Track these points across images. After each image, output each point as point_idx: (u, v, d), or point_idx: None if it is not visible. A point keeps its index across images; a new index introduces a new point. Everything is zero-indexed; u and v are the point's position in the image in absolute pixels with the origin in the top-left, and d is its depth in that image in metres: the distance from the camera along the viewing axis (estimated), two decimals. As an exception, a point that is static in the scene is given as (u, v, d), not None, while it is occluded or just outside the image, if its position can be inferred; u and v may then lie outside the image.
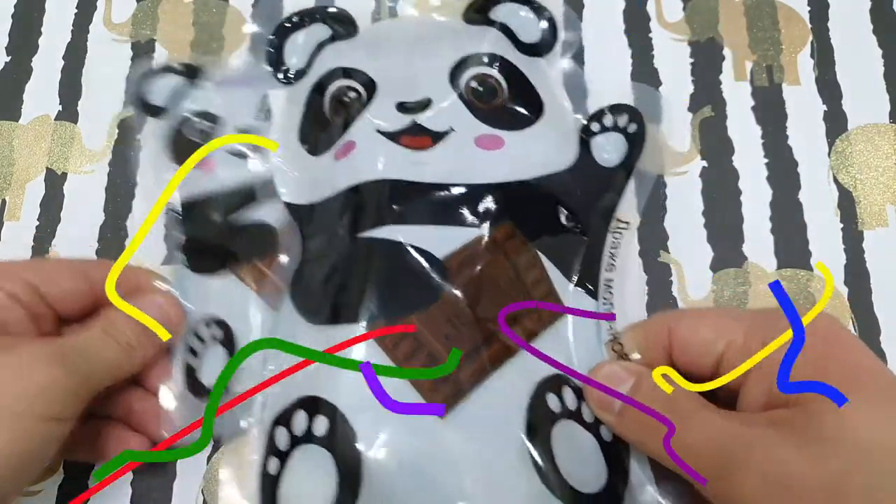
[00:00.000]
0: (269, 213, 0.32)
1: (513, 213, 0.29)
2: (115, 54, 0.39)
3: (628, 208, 0.31)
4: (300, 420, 0.27)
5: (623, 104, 0.33)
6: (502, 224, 0.29)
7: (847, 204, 0.36)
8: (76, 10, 0.40)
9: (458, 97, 0.32)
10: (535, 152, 0.32)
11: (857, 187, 0.36)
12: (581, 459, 0.26)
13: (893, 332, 0.34)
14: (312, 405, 0.27)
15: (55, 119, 0.38)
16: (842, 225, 0.35)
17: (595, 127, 0.33)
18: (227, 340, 0.30)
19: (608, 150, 0.32)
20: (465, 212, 0.29)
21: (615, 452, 0.26)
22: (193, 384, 0.30)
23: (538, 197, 0.30)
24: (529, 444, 0.25)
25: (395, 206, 0.29)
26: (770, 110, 0.37)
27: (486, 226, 0.29)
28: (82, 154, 0.38)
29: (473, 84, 0.32)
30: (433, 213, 0.29)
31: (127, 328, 0.28)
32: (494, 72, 0.33)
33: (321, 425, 0.26)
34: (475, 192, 0.30)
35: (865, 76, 0.38)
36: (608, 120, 0.33)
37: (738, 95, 0.38)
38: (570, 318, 0.28)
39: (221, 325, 0.31)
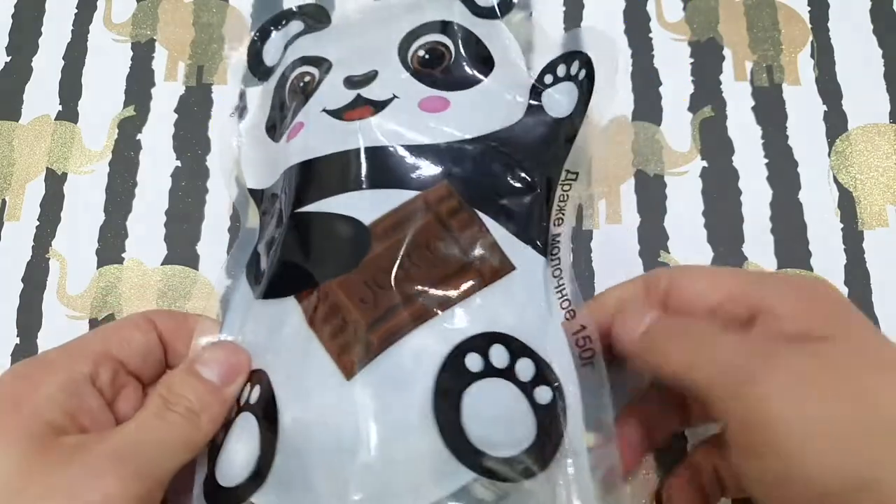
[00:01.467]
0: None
1: (451, 173, 0.29)
2: (115, 54, 0.39)
3: (581, 159, 0.30)
4: (245, 390, 0.27)
5: (575, 51, 0.32)
6: (437, 185, 0.28)
7: (847, 204, 0.36)
8: (76, 10, 0.40)
9: (403, 66, 0.32)
10: (482, 110, 0.31)
11: (857, 187, 0.36)
12: (501, 421, 0.25)
13: (894, 332, 0.33)
14: (255, 377, 0.28)
15: (55, 119, 0.38)
16: (842, 225, 0.35)
17: (548, 78, 0.32)
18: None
19: (558, 101, 0.31)
20: (403, 174, 0.29)
21: (549, 415, 0.25)
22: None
23: (482, 154, 0.30)
24: (433, 405, 0.25)
25: (331, 178, 0.29)
26: (770, 110, 0.37)
27: (423, 187, 0.28)
28: (82, 154, 0.38)
29: (421, 52, 0.32)
30: (368, 178, 0.29)
31: (187, 391, 0.26)
32: (444, 38, 0.33)
33: (255, 394, 0.27)
34: (414, 154, 0.29)
35: (865, 76, 0.38)
36: (561, 70, 0.32)
37: (738, 95, 0.38)
38: (517, 273, 0.28)
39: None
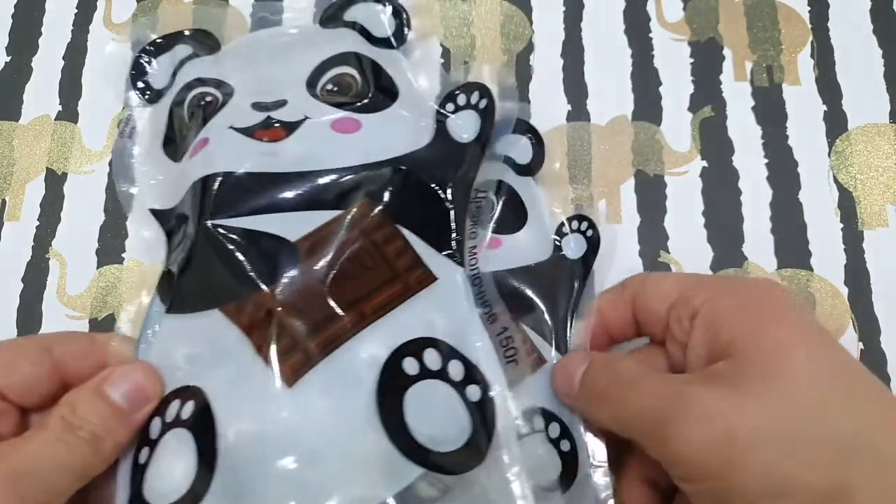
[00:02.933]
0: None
1: (371, 192, 0.30)
2: (115, 54, 0.39)
3: (490, 181, 0.34)
4: (173, 408, 0.27)
5: (473, 82, 0.35)
6: (357, 203, 0.30)
7: (847, 204, 0.36)
8: (76, 10, 0.40)
9: (312, 97, 0.33)
10: (392, 133, 0.33)
11: (857, 187, 0.36)
12: (440, 418, 0.26)
13: (893, 332, 0.34)
14: (185, 393, 0.27)
15: (55, 119, 0.38)
16: (842, 225, 0.35)
17: (450, 107, 0.34)
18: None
19: (463, 127, 0.33)
20: (322, 195, 0.30)
21: (481, 411, 0.27)
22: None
23: (397, 174, 0.31)
24: (377, 408, 0.26)
25: (247, 196, 0.29)
26: (770, 110, 0.37)
27: (343, 207, 0.30)
28: (82, 154, 0.38)
29: (329, 86, 0.34)
30: (288, 199, 0.30)
31: (91, 414, 0.25)
32: (350, 69, 0.35)
33: (188, 409, 0.26)
34: (331, 176, 0.30)
35: (865, 76, 0.38)
36: (461, 99, 0.34)
37: (738, 95, 0.38)
38: (440, 283, 0.29)
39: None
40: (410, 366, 0.27)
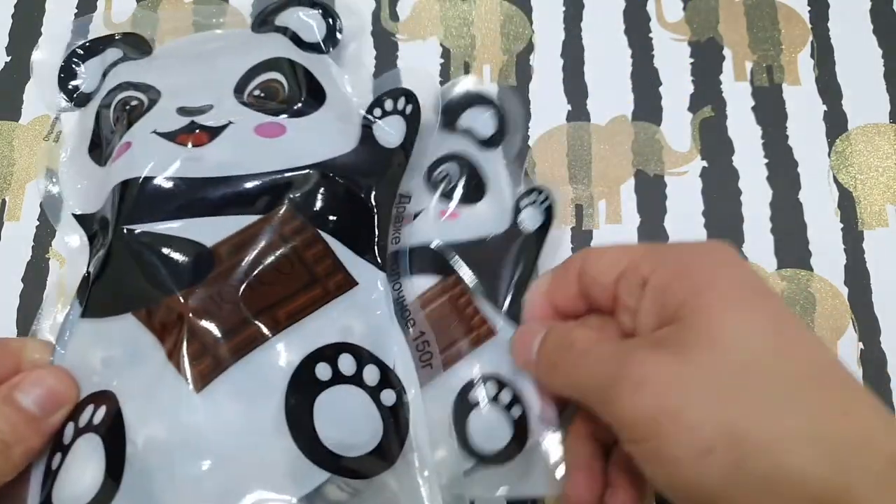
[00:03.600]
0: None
1: (293, 197, 0.30)
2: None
3: (415, 185, 0.34)
4: (86, 413, 0.26)
5: (400, 88, 0.35)
6: (279, 208, 0.30)
7: (847, 204, 0.36)
8: (76, 11, 0.40)
9: (240, 104, 0.33)
10: (317, 138, 0.33)
11: (857, 187, 0.36)
12: (351, 424, 0.27)
13: (893, 332, 0.34)
14: (99, 398, 0.27)
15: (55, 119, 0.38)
16: (842, 225, 0.35)
17: (377, 112, 0.34)
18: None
19: (388, 132, 0.34)
20: (244, 200, 0.30)
21: (394, 415, 0.27)
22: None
23: (320, 179, 0.31)
24: (286, 413, 0.26)
25: (168, 202, 0.29)
26: (770, 110, 0.37)
27: (265, 212, 0.30)
28: (82, 154, 0.38)
29: (256, 92, 0.34)
30: (210, 205, 0.29)
31: (1, 421, 0.24)
32: (277, 74, 0.34)
33: (100, 414, 0.26)
34: (253, 181, 0.30)
35: (865, 76, 0.38)
36: (388, 104, 0.34)
37: (738, 95, 0.38)
38: (359, 288, 0.30)
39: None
40: (323, 371, 0.27)
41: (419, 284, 0.31)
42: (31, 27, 0.40)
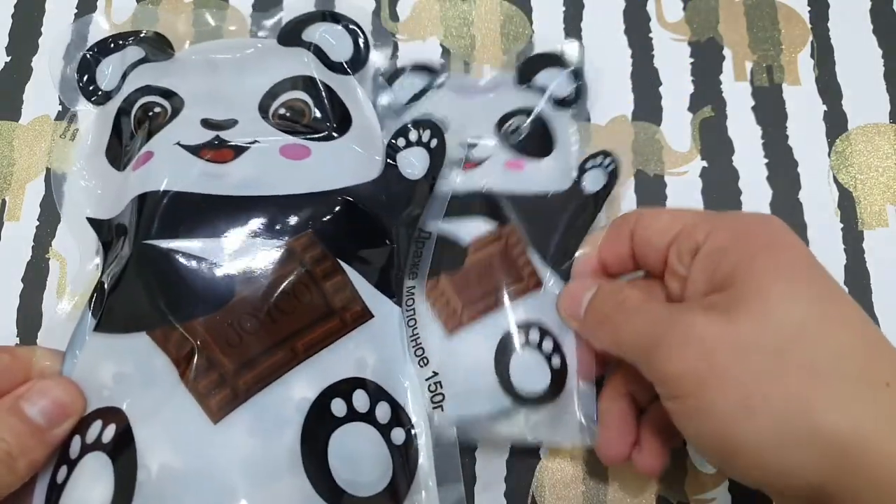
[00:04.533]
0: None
1: (315, 223, 0.29)
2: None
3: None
4: (94, 428, 0.26)
5: (424, 119, 0.34)
6: (301, 234, 0.29)
7: (847, 204, 0.36)
8: (76, 11, 0.40)
9: (263, 120, 0.33)
10: (342, 163, 0.32)
11: (857, 187, 0.36)
12: (363, 463, 0.27)
13: (894, 332, 0.33)
14: (108, 414, 0.26)
15: (55, 119, 0.38)
16: (842, 225, 0.35)
17: (401, 142, 0.34)
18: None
19: (412, 163, 0.33)
20: (264, 223, 0.29)
21: (404, 455, 0.28)
22: None
23: (343, 207, 0.30)
24: (301, 450, 0.26)
25: (188, 218, 0.29)
26: (770, 110, 0.37)
27: (284, 236, 0.29)
28: (82, 154, 0.37)
29: (282, 111, 0.33)
30: (230, 225, 0.29)
31: (5, 432, 0.24)
32: (303, 94, 0.34)
33: (109, 433, 0.26)
34: (276, 204, 0.29)
35: (865, 76, 0.38)
36: (413, 135, 0.34)
37: (738, 95, 0.38)
38: (375, 321, 0.29)
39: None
40: (338, 407, 0.27)
41: (475, 227, 0.32)
42: (31, 27, 0.40)
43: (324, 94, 0.34)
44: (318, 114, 0.33)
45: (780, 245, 0.25)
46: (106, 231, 0.32)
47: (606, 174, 0.33)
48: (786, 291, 0.23)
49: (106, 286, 0.29)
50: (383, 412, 0.28)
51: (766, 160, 0.37)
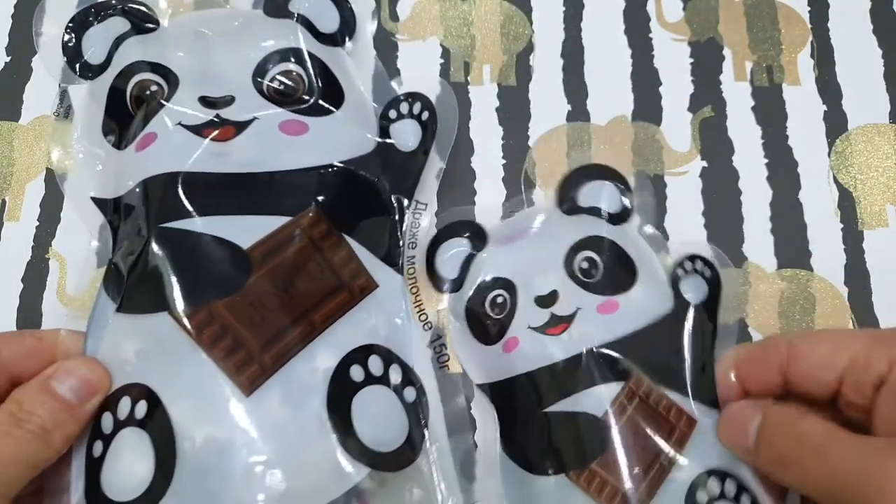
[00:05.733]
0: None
1: (318, 198, 0.30)
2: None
3: (430, 191, 0.35)
4: (124, 404, 0.27)
5: (415, 92, 0.35)
6: (308, 210, 0.30)
7: (847, 204, 0.36)
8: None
9: (259, 94, 0.33)
10: (338, 138, 0.33)
11: (857, 187, 0.36)
12: (383, 422, 0.29)
13: (893, 332, 0.34)
14: (136, 391, 0.27)
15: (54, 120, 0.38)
16: (842, 225, 0.35)
17: (392, 114, 0.34)
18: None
19: (405, 135, 0.34)
20: (271, 200, 0.30)
21: (416, 411, 0.30)
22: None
23: (343, 180, 0.31)
24: (328, 414, 0.28)
25: (198, 198, 0.30)
26: (770, 110, 0.37)
27: (291, 213, 0.30)
28: (82, 154, 0.37)
29: (276, 83, 0.33)
30: (239, 203, 0.30)
31: (39, 408, 0.26)
32: (296, 66, 0.34)
33: (141, 409, 0.27)
34: (279, 180, 0.31)
35: (865, 76, 0.38)
36: (404, 107, 0.35)
37: (738, 95, 0.38)
38: (380, 291, 0.31)
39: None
40: (357, 373, 0.29)
41: (606, 394, 0.29)
42: (31, 27, 0.40)
43: (316, 65, 0.34)
44: (311, 86, 0.34)
45: None
46: (112, 210, 0.32)
47: (704, 281, 0.32)
48: None
49: (122, 268, 0.30)
50: (396, 374, 0.29)
51: (766, 160, 0.37)
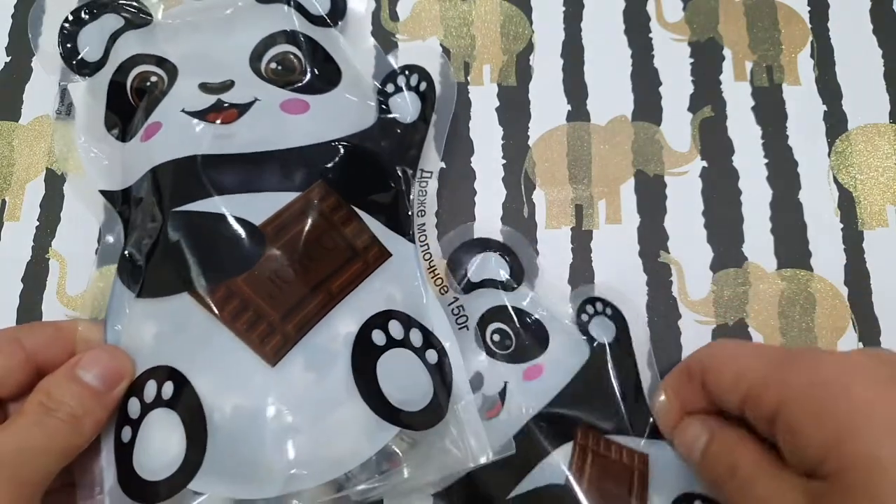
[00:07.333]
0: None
1: (325, 173, 0.31)
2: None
3: (434, 160, 0.35)
4: (150, 388, 0.28)
5: (412, 64, 0.36)
6: (315, 185, 0.31)
7: (847, 204, 0.36)
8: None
9: (258, 77, 0.34)
10: (339, 114, 0.34)
11: (857, 187, 0.36)
12: (408, 383, 0.29)
13: (893, 332, 0.34)
14: (161, 373, 0.28)
15: (55, 119, 0.38)
16: (842, 225, 0.35)
17: (390, 88, 0.35)
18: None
19: (405, 107, 0.35)
20: (278, 177, 0.31)
21: (440, 372, 0.30)
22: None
23: (348, 155, 0.32)
24: (354, 378, 0.28)
25: (207, 180, 0.30)
26: (770, 110, 0.37)
27: (299, 188, 0.31)
28: (82, 154, 0.37)
29: (273, 65, 0.34)
30: (247, 181, 0.30)
31: (68, 396, 0.26)
32: (292, 48, 0.35)
33: (168, 389, 0.28)
34: (285, 157, 0.31)
35: (865, 76, 0.38)
36: (401, 80, 0.36)
37: (738, 95, 0.38)
38: (394, 259, 0.31)
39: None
40: (378, 337, 0.29)
41: (561, 458, 0.30)
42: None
43: (310, 46, 0.35)
44: (308, 66, 0.34)
45: (867, 416, 0.22)
46: (121, 201, 0.33)
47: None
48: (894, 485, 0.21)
49: (136, 256, 0.31)
50: (417, 337, 0.30)
51: (766, 160, 0.37)
